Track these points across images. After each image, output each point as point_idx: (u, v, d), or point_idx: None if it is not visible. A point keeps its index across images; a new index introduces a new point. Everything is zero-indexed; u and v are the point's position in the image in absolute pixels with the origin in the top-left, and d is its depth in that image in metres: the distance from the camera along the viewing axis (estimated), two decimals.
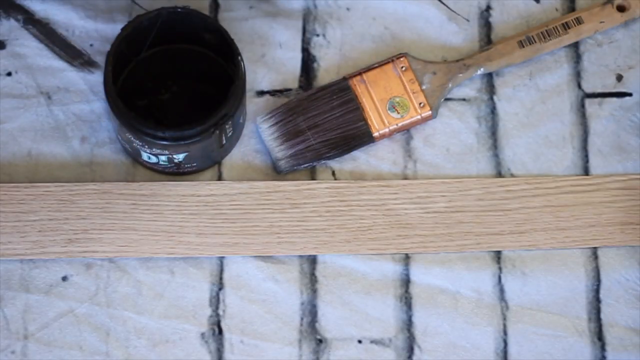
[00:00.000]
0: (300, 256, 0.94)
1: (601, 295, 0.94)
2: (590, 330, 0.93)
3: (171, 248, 0.93)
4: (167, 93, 0.96)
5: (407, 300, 0.93)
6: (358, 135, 0.95)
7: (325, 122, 0.95)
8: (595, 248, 0.95)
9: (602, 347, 0.93)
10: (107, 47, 0.90)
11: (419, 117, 0.95)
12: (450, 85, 0.96)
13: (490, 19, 1.01)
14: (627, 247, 0.95)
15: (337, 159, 0.96)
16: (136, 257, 0.93)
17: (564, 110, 0.99)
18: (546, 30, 0.96)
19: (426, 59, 0.97)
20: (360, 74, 0.95)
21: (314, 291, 0.93)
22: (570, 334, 0.93)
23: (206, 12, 0.99)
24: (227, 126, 0.90)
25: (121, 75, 0.94)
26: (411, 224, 0.95)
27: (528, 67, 0.99)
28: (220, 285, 0.93)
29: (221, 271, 0.93)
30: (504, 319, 0.93)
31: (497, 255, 0.95)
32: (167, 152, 0.91)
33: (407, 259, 0.94)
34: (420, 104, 0.94)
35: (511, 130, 0.98)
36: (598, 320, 0.93)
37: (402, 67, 0.95)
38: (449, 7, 1.01)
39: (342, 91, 0.95)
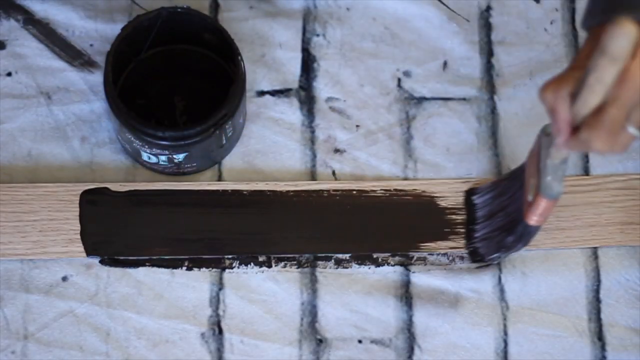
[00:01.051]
0: (301, 256, 0.94)
1: (601, 295, 0.94)
2: (590, 330, 0.93)
3: None
4: (167, 93, 0.96)
5: (407, 300, 0.93)
6: (519, 222, 0.89)
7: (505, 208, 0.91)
8: (595, 248, 0.95)
9: (602, 347, 0.93)
10: (107, 47, 0.90)
11: None
12: None
13: (490, 19, 1.01)
14: (627, 247, 0.95)
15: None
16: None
17: None
18: None
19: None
20: None
21: (314, 291, 0.93)
22: (570, 334, 0.93)
23: (206, 12, 0.99)
24: (227, 126, 0.90)
25: (121, 75, 0.94)
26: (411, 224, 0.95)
27: (528, 66, 0.99)
28: (220, 285, 0.93)
29: (221, 271, 0.93)
30: (504, 319, 0.93)
31: None
32: (167, 152, 0.91)
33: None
34: None
35: (511, 130, 0.98)
36: (598, 320, 0.93)
37: None
38: (449, 7, 1.01)
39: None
